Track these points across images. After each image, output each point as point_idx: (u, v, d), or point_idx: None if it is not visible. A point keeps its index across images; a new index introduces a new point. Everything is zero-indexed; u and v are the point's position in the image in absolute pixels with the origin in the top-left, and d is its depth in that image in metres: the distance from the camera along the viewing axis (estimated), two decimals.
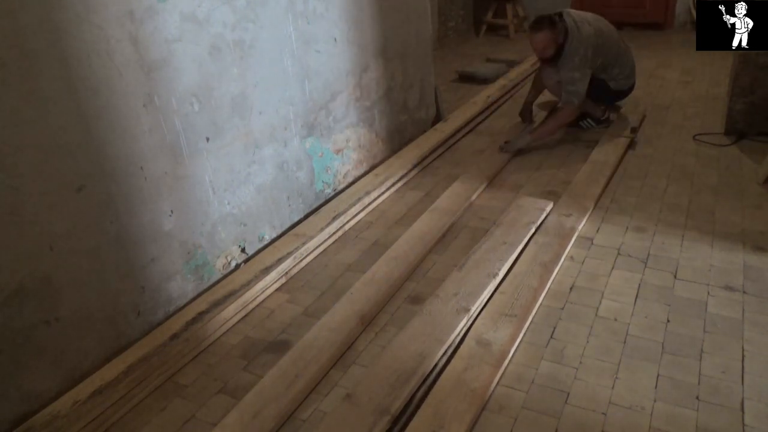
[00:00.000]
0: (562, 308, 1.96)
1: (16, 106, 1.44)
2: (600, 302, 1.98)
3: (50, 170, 1.54)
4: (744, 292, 1.98)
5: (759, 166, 2.79)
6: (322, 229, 2.42)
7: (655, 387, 1.62)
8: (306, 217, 2.56)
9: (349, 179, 2.89)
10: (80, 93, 1.57)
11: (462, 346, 1.76)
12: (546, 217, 2.46)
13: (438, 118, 3.67)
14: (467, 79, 4.73)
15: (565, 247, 2.24)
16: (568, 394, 1.62)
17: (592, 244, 2.32)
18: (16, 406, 1.55)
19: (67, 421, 1.54)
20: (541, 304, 1.97)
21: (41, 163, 1.51)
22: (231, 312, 1.98)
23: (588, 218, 2.48)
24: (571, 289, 2.06)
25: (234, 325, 2.00)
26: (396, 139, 3.26)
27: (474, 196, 2.72)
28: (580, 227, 2.39)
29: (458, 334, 1.82)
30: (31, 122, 1.47)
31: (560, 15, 3.06)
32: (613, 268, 2.16)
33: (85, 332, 1.70)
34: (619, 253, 2.24)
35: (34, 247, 1.53)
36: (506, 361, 1.72)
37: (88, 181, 1.64)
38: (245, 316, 2.04)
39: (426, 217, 2.52)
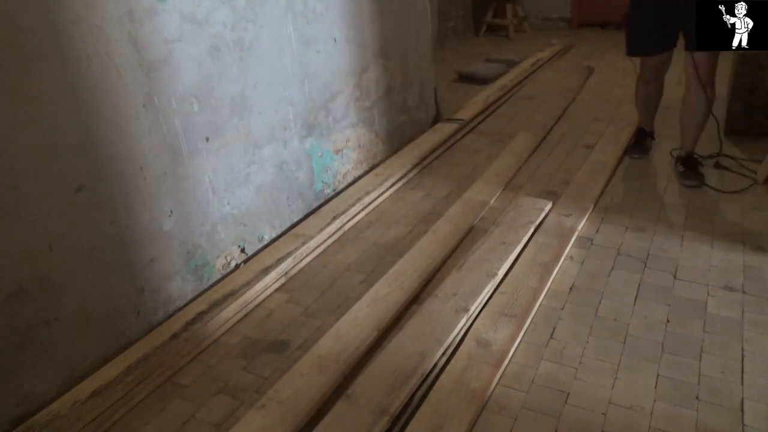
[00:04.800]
0: (562, 308, 1.96)
1: (16, 106, 1.44)
2: (600, 302, 1.98)
3: (50, 170, 1.54)
4: (744, 292, 1.98)
5: (759, 166, 2.79)
6: (321, 229, 2.42)
7: (655, 387, 1.62)
8: (306, 217, 2.56)
9: (349, 179, 2.89)
10: (80, 93, 1.57)
11: (461, 346, 1.76)
12: (545, 217, 2.46)
13: (438, 118, 3.67)
14: (467, 79, 4.73)
15: (565, 247, 2.24)
16: (568, 394, 1.62)
17: (591, 244, 2.32)
18: (15, 407, 1.55)
19: (66, 422, 1.54)
20: (540, 304, 1.97)
21: (40, 163, 1.51)
22: (231, 312, 1.98)
23: (588, 218, 2.48)
24: (570, 289, 2.06)
25: (234, 325, 2.00)
26: (396, 139, 3.26)
27: (483, 212, 2.62)
28: (580, 227, 2.39)
29: (458, 334, 1.82)
30: (31, 122, 1.47)
31: None
32: (612, 268, 2.16)
33: (85, 332, 1.70)
34: (618, 253, 2.24)
35: (34, 247, 1.53)
36: (506, 361, 1.71)
37: (88, 181, 1.64)
38: (245, 316, 2.04)
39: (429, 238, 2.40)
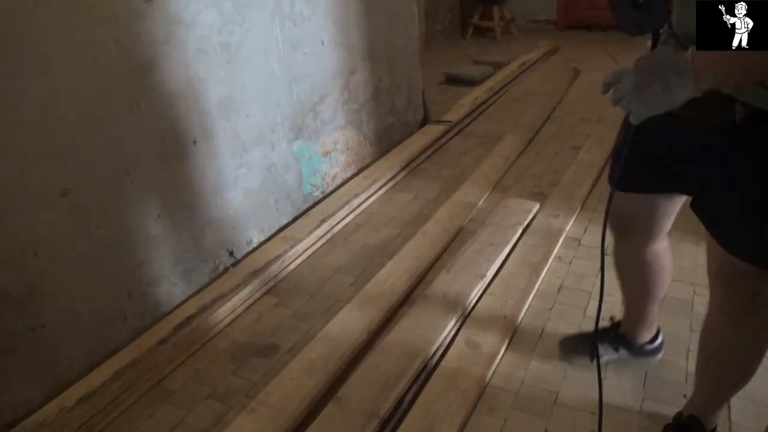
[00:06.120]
0: (551, 309, 1.97)
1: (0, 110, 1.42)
2: (588, 302, 1.99)
3: (34, 175, 1.52)
4: None
5: None
6: (310, 232, 2.41)
7: (644, 386, 1.63)
8: (294, 220, 2.55)
9: (338, 182, 2.89)
10: (65, 97, 1.56)
11: (451, 348, 1.76)
12: (534, 218, 2.47)
13: (425, 120, 3.68)
14: (454, 81, 4.75)
15: (553, 248, 2.25)
16: (557, 394, 1.62)
17: (579, 244, 2.33)
18: (0, 415, 1.53)
19: (53, 429, 1.52)
20: (529, 304, 1.98)
21: (25, 167, 1.49)
22: (219, 316, 1.97)
23: (575, 219, 2.49)
24: (559, 289, 2.07)
25: (222, 330, 1.98)
26: (384, 142, 3.26)
27: (472, 214, 2.64)
28: (568, 228, 2.41)
29: (447, 335, 1.82)
30: (15, 126, 1.46)
31: None
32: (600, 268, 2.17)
33: (71, 338, 1.68)
34: (606, 254, 2.25)
35: (18, 253, 1.51)
36: (496, 362, 1.72)
37: (73, 186, 1.62)
38: (234, 320, 2.03)
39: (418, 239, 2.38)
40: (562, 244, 2.32)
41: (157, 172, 1.87)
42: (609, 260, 2.22)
